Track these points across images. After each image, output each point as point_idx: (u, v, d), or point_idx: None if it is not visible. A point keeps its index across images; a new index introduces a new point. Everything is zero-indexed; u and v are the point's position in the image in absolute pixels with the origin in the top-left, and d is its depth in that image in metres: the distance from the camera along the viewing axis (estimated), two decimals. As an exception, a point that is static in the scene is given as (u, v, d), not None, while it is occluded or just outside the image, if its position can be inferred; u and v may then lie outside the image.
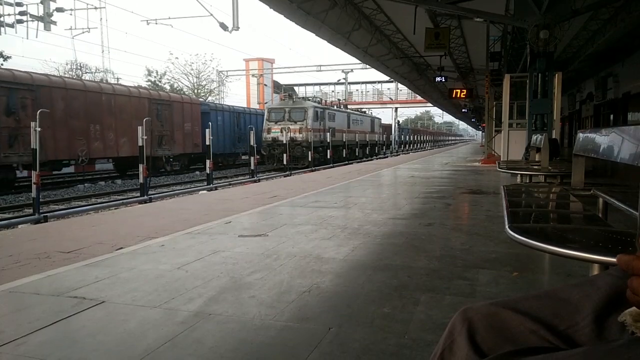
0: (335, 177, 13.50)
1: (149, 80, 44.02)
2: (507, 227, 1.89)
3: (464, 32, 18.37)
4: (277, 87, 50.39)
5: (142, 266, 3.91)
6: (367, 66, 28.56)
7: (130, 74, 66.15)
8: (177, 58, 76.15)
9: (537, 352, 0.77)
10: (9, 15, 19.35)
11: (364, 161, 27.93)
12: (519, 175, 5.66)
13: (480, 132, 63.29)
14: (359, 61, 25.79)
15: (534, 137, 7.26)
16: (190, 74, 45.44)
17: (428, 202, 7.70)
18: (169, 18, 25.54)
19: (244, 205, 7.77)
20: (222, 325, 2.65)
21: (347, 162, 25.75)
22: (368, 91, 60.71)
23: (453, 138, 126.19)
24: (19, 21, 19.59)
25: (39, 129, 9.15)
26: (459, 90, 22.28)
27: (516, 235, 1.74)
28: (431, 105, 56.00)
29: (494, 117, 20.46)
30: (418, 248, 4.45)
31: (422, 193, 8.98)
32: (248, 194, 9.84)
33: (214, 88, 46.56)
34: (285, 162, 21.72)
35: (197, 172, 22.53)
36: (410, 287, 3.28)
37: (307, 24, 14.95)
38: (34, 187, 9.14)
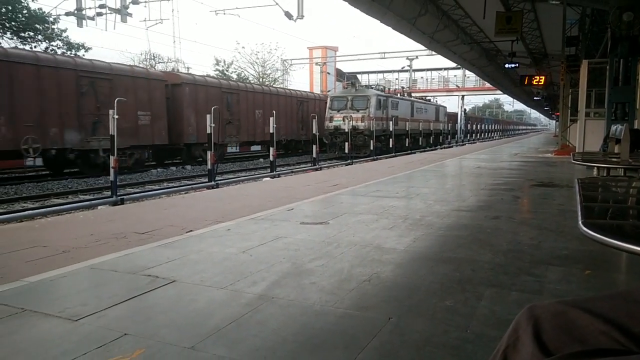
0: (397, 167, 13.34)
1: (217, 70, 45.48)
2: (580, 222, 1.79)
3: (538, 16, 17.38)
4: (340, 75, 50.31)
5: (210, 249, 4.09)
6: (433, 53, 27.81)
7: (199, 63, 68.64)
8: (243, 47, 77.95)
9: (608, 353, 0.74)
10: (90, 8, 20.65)
11: (428, 151, 27.34)
12: (595, 168, 5.31)
13: (554, 121, 59.89)
14: (424, 48, 25.16)
15: (613, 128, 6.77)
16: (256, 62, 46.41)
17: (495, 194, 7.44)
18: (237, 8, 26.19)
19: (306, 193, 7.88)
20: (284, 309, 2.73)
21: (409, 152, 25.32)
22: (433, 78, 59.14)
23: (524, 127, 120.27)
24: (99, 14, 20.85)
25: (117, 117, 9.73)
26: (532, 77, 21.17)
27: (590, 232, 1.65)
28: (501, 92, 53.66)
29: (569, 105, 19.28)
30: (483, 241, 4.33)
31: (489, 185, 8.68)
32: (310, 182, 9.96)
33: (279, 77, 47.27)
34: (346, 151, 21.74)
35: (261, 160, 23.08)
36: (473, 281, 3.20)
37: (372, 10, 14.77)
38: (112, 171, 9.76)
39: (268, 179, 13.40)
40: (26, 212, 8.66)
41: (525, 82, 20.91)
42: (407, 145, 27.80)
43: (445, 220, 5.32)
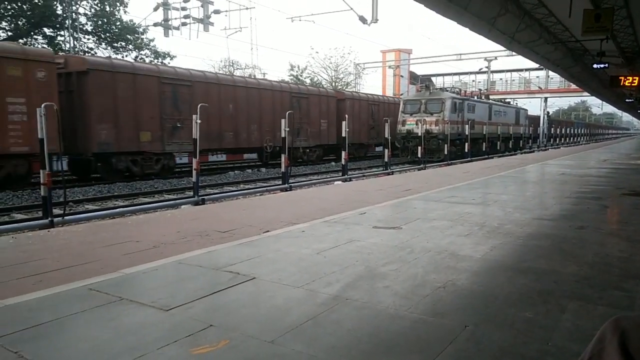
0: (473, 172, 12.94)
1: (291, 75, 46.61)
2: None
3: (631, 12, 16.09)
4: (413, 77, 49.54)
5: (286, 249, 4.25)
6: (513, 53, 26.64)
7: (275, 69, 70.62)
8: (317, 52, 79.18)
9: None
10: (175, 19, 22.01)
11: (506, 155, 26.20)
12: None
13: (649, 124, 54.91)
14: (503, 48, 24.19)
15: None
16: (329, 67, 46.98)
17: (581, 203, 7.02)
18: (311, 14, 26.69)
19: (378, 197, 7.89)
20: (359, 311, 2.79)
21: (487, 157, 24.40)
22: (513, 80, 56.54)
23: (614, 132, 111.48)
24: (184, 24, 22.17)
25: (199, 121, 10.30)
26: (624, 78, 19.63)
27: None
28: (587, 94, 50.18)
29: (668, 107, 17.65)
30: (567, 252, 4.12)
31: (574, 193, 8.19)
32: (382, 186, 9.94)
33: (351, 80, 47.47)
34: (419, 155, 21.39)
35: (333, 163, 23.32)
36: (556, 293, 3.07)
37: (448, 12, 14.44)
38: (194, 172, 10.33)
39: (340, 182, 13.53)
40: (118, 210, 9.39)
41: (616, 84, 19.44)
42: (484, 149, 26.81)
43: (526, 229, 5.11)
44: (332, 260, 3.87)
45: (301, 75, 46.90)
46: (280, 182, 13.14)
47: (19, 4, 23.65)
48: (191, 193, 11.04)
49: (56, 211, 7.29)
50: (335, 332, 2.50)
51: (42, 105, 7.32)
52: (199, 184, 10.46)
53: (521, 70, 54.34)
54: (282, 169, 12.70)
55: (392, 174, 16.08)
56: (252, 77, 29.24)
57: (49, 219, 7.19)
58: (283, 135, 12.58)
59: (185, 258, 3.93)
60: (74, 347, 2.33)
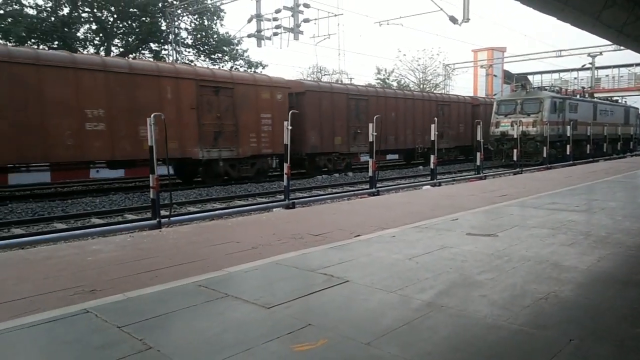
0: (576, 177, 12.07)
1: (378, 78, 46.54)
2: None
3: None
4: (507, 77, 47.16)
5: (377, 253, 4.30)
6: (621, 47, 24.42)
7: (361, 73, 70.90)
8: (404, 55, 78.22)
9: None
10: (267, 29, 22.99)
11: (614, 159, 24.05)
12: None
13: None
14: (609, 42, 22.28)
15: None
16: (417, 69, 46.23)
17: None
18: (400, 17, 26.45)
19: (470, 202, 7.66)
20: (454, 319, 2.77)
21: (591, 160, 22.57)
22: (622, 76, 51.74)
23: None
24: (275, 34, 23.08)
25: (290, 127, 10.68)
26: None
27: None
28: None
29: None
30: (688, 266, 3.75)
31: (696, 200, 7.36)
32: (474, 191, 9.62)
33: (440, 82, 46.33)
34: (515, 159, 20.33)
35: (421, 167, 22.90)
36: (675, 310, 2.82)
37: (547, 8, 13.59)
38: (285, 177, 10.73)
39: (428, 187, 13.28)
40: (217, 212, 10.01)
41: None
42: (588, 152, 24.82)
43: (638, 240, 4.71)
44: (424, 267, 3.85)
45: (388, 79, 46.62)
46: (367, 187, 13.20)
47: (129, 23, 26.06)
48: (282, 196, 11.45)
49: (161, 212, 7.93)
50: (430, 338, 2.51)
51: (152, 116, 8.01)
52: (289, 187, 10.82)
53: (630, 65, 49.55)
54: (370, 174, 12.74)
55: (485, 179, 15.47)
56: (340, 82, 29.62)
57: (157, 219, 7.85)
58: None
59: (282, 259, 4.12)
60: (187, 337, 2.57)
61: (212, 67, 26.74)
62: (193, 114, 14.37)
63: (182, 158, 14.37)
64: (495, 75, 44.68)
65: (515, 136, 21.11)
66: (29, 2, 22.85)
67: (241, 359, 2.28)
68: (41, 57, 11.67)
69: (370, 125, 11.80)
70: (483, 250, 4.34)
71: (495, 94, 38.48)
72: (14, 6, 22.06)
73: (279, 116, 15.56)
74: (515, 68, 50.10)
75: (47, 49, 23.57)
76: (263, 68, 30.09)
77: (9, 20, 21.41)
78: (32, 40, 22.57)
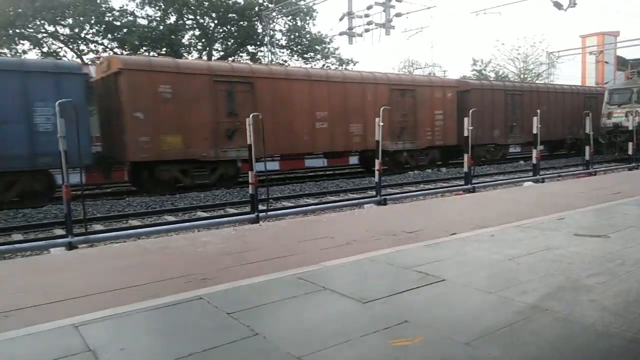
0: None
1: (474, 70, 44.59)
2: None
3: None
4: (621, 63, 42.78)
5: (475, 253, 4.19)
6: None
7: (455, 65, 68.19)
8: (502, 44, 74.10)
9: None
10: (359, 26, 23.05)
11: None
12: None
13: None
14: None
15: None
16: (517, 58, 43.61)
17: None
18: (498, 6, 25.10)
19: (578, 201, 7.13)
20: (560, 323, 2.65)
21: None
22: None
23: None
24: (366, 30, 23.08)
25: (382, 124, 10.67)
26: None
27: None
28: None
29: None
30: None
31: None
32: (582, 188, 8.94)
33: (542, 71, 43.30)
34: (630, 152, 18.48)
35: (522, 162, 21.63)
36: None
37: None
38: (376, 173, 10.74)
39: (530, 183, 12.54)
40: (310, 207, 10.29)
41: None
42: None
43: None
44: (526, 268, 3.70)
45: (485, 70, 44.53)
46: (462, 183, 12.78)
47: (228, 27, 27.52)
48: (373, 193, 11.47)
49: (259, 207, 8.34)
50: (534, 342, 2.43)
51: (250, 116, 8.44)
52: (380, 184, 10.82)
53: None
54: (465, 169, 12.32)
55: (595, 174, 14.27)
56: (433, 74, 28.89)
57: (256, 213, 8.28)
58: (466, 134, 12.25)
59: (377, 256, 4.18)
60: (290, 326, 2.73)
61: (305, 65, 27.42)
62: (386, 113, 16.40)
63: (368, 150, 16.81)
64: (606, 62, 40.79)
65: (630, 128, 19.19)
66: (140, 14, 25.04)
67: (341, 350, 2.38)
68: (290, 73, 15.19)
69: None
70: (592, 253, 4.06)
71: (606, 83, 35.20)
72: (129, 17, 24.27)
73: (449, 112, 18.51)
74: (630, 53, 45.29)
75: (156, 55, 25.73)
76: (354, 65, 30.22)
77: (124, 30, 23.61)
78: (144, 48, 24.70)
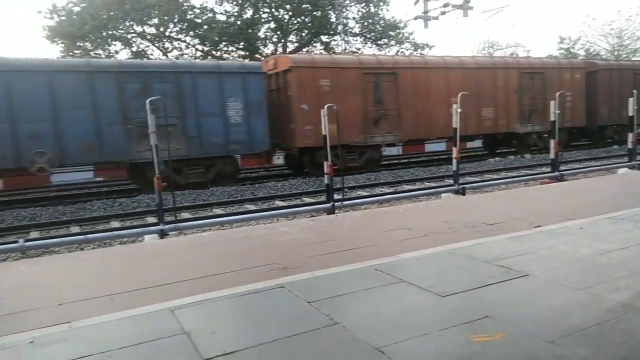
0: None
1: (560, 48, 41.65)
2: None
3: None
4: None
5: (561, 247, 4.00)
6: None
7: (539, 44, 63.76)
8: (593, 19, 68.35)
9: None
10: (434, 9, 22.36)
11: None
12: None
13: None
14: None
15: None
16: (610, 34, 40.08)
17: None
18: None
19: (682, 189, 6.52)
20: (657, 325, 2.48)
21: None
22: None
23: None
24: (442, 13, 22.34)
25: (460, 110, 10.32)
26: None
27: None
28: None
29: None
30: None
31: None
32: (687, 175, 8.13)
33: (641, 46, 39.44)
34: None
35: (616, 146, 19.99)
36: None
37: None
38: (454, 161, 10.45)
39: (625, 170, 11.59)
40: (386, 197, 10.26)
41: None
42: None
43: None
44: (619, 263, 3.48)
45: (573, 47, 41.43)
46: (548, 170, 12.09)
47: (302, 18, 27.82)
48: (451, 181, 11.18)
49: (334, 196, 8.46)
50: (626, 342, 2.31)
51: (325, 107, 8.55)
52: (458, 172, 10.52)
53: None
54: (551, 155, 11.64)
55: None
56: (515, 55, 27.37)
57: (331, 203, 8.42)
58: (553, 116, 11.52)
59: (455, 248, 4.12)
60: (368, 317, 2.79)
61: (377, 53, 27.13)
62: (515, 96, 17.70)
63: (499, 132, 17.76)
64: None
65: None
66: (219, 10, 25.99)
67: (420, 343, 2.41)
68: (427, 62, 16.10)
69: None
70: (698, 248, 3.73)
71: None
72: (208, 14, 25.30)
73: (577, 93, 18.68)
74: None
75: (234, 50, 26.62)
76: (430, 49, 29.40)
77: (205, 27, 24.67)
78: (223, 44, 25.68)
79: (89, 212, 9.70)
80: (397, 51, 29.12)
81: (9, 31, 45.91)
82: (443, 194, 10.09)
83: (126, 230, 7.55)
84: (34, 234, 7.92)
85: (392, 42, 29.28)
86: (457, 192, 10.08)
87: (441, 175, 14.19)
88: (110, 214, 9.44)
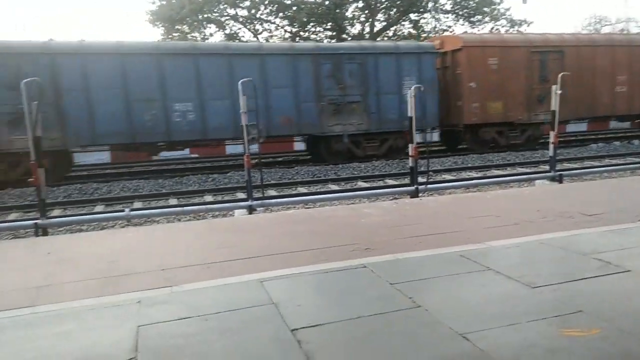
0: None
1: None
2: None
3: None
4: None
5: (671, 243, 3.66)
6: None
7: (657, 16, 56.78)
8: None
9: None
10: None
11: None
12: None
13: None
14: None
15: None
16: None
17: None
18: None
19: None
20: None
21: None
22: None
23: None
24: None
25: (560, 92, 9.61)
26: None
27: None
28: None
29: None
30: None
31: None
32: None
33: None
34: None
35: None
36: None
37: None
38: (551, 146, 9.79)
39: None
40: (473, 181, 9.90)
41: None
42: None
43: None
44: None
45: (699, 20, 36.62)
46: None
47: (391, -4, 27.23)
48: (546, 167, 10.52)
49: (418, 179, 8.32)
50: None
51: (412, 88, 8.37)
52: (555, 157, 9.87)
53: None
54: (665, 143, 10.50)
55: None
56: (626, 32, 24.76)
57: (415, 186, 8.30)
58: None
59: (548, 239, 3.92)
60: (452, 303, 2.77)
61: (471, 30, 25.89)
62: None
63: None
64: None
65: None
66: (308, -9, 26.14)
67: (506, 332, 2.36)
68: (594, 40, 16.23)
69: None
70: None
71: None
72: (297, -5, 25.58)
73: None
74: None
75: (322, 30, 26.70)
76: (528, 26, 27.49)
77: (294, 9, 24.98)
78: (311, 24, 25.86)
79: (185, 186, 10.40)
80: (492, 28, 27.56)
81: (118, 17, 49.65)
82: (537, 181, 9.53)
83: (218, 205, 8.03)
84: (137, 204, 8.67)
85: (487, 19, 27.73)
86: (552, 179, 9.47)
87: (535, 160, 13.40)
88: (204, 188, 10.05)
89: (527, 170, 11.91)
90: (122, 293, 3.12)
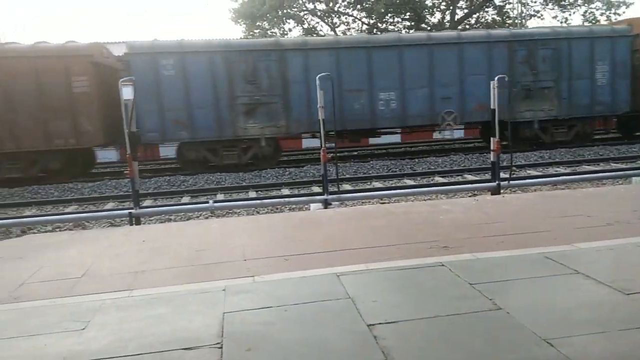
0: None
1: None
2: None
3: None
4: None
5: None
6: None
7: None
8: None
9: None
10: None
11: None
12: None
13: None
14: None
15: None
16: None
17: None
18: None
19: None
20: None
21: None
22: None
23: None
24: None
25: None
26: None
27: None
28: None
29: None
30: None
31: None
32: None
33: None
34: None
35: None
36: None
37: None
38: (652, 140, 8.97)
39: None
40: (560, 178, 9.30)
41: None
42: None
43: None
44: None
45: None
46: None
47: (473, -18, 26.10)
48: (646, 164, 9.66)
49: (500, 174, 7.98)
50: None
51: (496, 79, 8.01)
52: (658, 153, 9.02)
53: None
54: None
55: None
56: None
57: (497, 182, 7.97)
58: None
59: (647, 241, 3.63)
60: (535, 307, 2.65)
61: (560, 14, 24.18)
62: None
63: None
64: None
65: None
66: (386, -19, 25.76)
67: (594, 340, 2.24)
68: None
69: None
70: None
71: None
72: (375, -14, 25.31)
73: None
74: None
75: (400, 20, 26.26)
76: (627, 7, 25.19)
77: (372, 0, 24.76)
78: (389, 15, 25.50)
79: (264, 179, 10.76)
80: (585, 12, 25.60)
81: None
82: (634, 178, 8.80)
83: (295, 198, 8.23)
84: (219, 196, 9.11)
85: (579, 2, 25.77)
86: (652, 176, 8.69)
87: (632, 155, 12.34)
88: (282, 181, 10.34)
89: (623, 165, 11.01)
90: (208, 281, 3.33)
